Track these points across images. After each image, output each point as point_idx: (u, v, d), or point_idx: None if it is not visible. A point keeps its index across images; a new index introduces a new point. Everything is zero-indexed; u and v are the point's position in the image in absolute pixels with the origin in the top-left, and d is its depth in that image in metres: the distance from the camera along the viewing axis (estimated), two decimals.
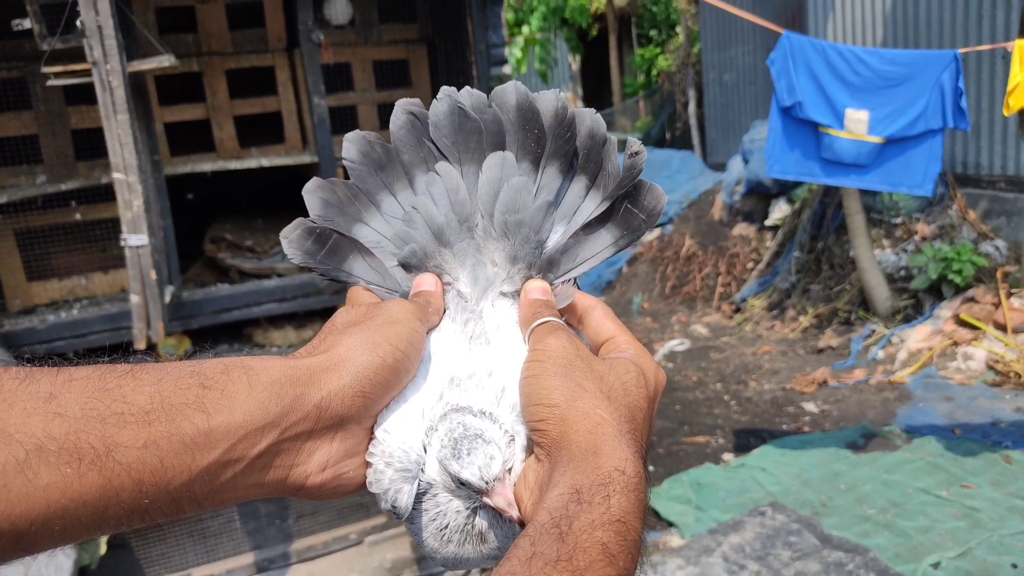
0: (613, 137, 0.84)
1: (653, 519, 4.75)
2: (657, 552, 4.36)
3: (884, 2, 8.70)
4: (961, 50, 4.98)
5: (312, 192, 0.83)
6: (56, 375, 0.58)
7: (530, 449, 0.72)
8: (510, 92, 0.84)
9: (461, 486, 0.70)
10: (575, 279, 0.84)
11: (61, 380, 0.58)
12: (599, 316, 0.81)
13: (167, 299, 3.76)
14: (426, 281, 0.81)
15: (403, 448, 0.71)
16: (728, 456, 5.74)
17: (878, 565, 3.94)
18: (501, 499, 0.68)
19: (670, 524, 4.81)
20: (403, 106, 0.85)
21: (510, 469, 0.70)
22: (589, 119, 0.83)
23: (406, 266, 0.83)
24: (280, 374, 0.66)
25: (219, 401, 0.62)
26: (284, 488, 0.67)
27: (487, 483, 0.68)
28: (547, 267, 0.82)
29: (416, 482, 0.71)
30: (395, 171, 0.84)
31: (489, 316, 0.80)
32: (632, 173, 0.81)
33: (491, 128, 0.84)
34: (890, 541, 4.29)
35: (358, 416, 0.70)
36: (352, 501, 4.88)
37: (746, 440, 5.95)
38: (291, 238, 0.82)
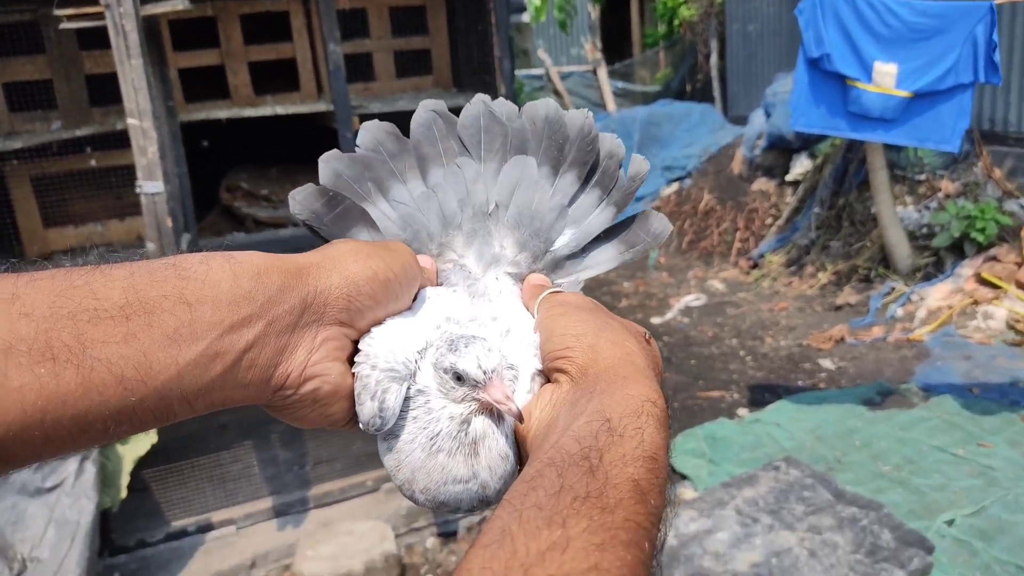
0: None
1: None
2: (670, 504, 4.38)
3: None
4: (996, 0, 4.82)
5: (327, 161, 0.85)
6: (17, 278, 0.54)
7: (540, 383, 0.71)
8: (541, 106, 0.89)
9: (458, 381, 0.68)
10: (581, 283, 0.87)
11: (23, 281, 0.54)
12: None
13: (183, 247, 3.75)
14: (423, 258, 0.81)
15: (389, 350, 0.70)
16: (743, 411, 5.74)
17: (892, 521, 3.94)
18: (498, 391, 0.67)
19: (684, 477, 4.83)
20: (427, 105, 0.89)
21: (513, 391, 0.69)
22: (611, 141, 0.88)
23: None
24: (265, 263, 0.63)
25: (201, 291, 0.59)
26: (267, 389, 0.64)
27: (485, 373, 0.67)
28: (552, 266, 0.85)
29: (405, 385, 0.70)
30: (408, 161, 0.88)
31: (492, 284, 0.82)
32: (635, 183, 0.86)
33: (516, 134, 0.88)
34: (904, 498, 4.29)
35: (340, 319, 0.68)
36: (368, 449, 4.93)
37: (761, 395, 5.94)
38: (299, 197, 0.83)
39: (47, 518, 3.81)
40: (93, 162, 4.57)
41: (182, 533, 4.73)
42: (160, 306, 0.57)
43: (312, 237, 0.84)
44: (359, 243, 0.72)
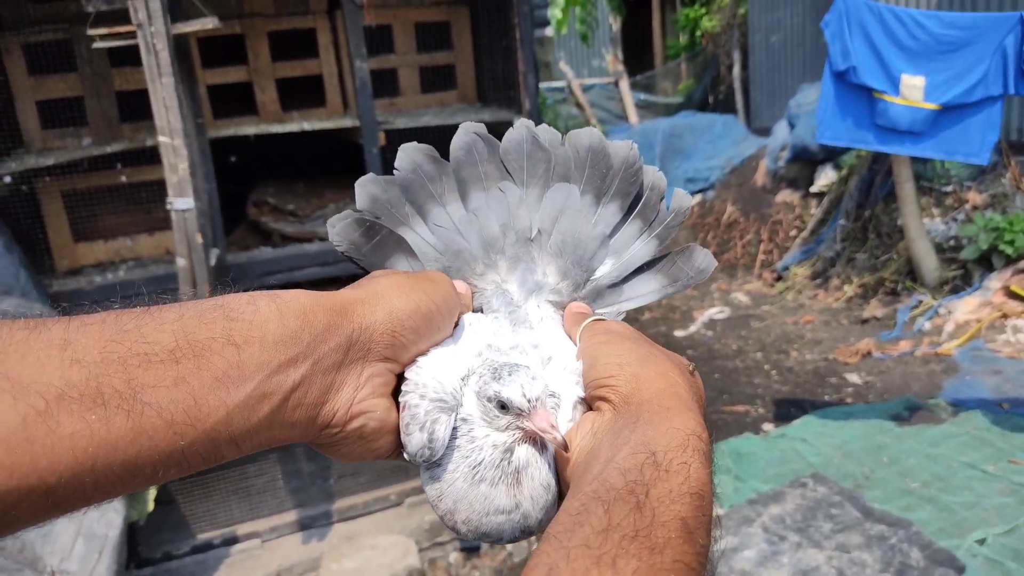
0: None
1: None
2: None
3: None
4: None
5: (364, 185, 0.85)
6: (68, 322, 0.55)
7: (583, 411, 0.71)
8: (585, 135, 0.88)
9: (502, 410, 0.68)
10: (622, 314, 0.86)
11: (74, 326, 0.55)
12: None
13: (212, 262, 3.79)
14: (459, 284, 0.81)
15: (437, 380, 0.70)
16: (768, 426, 5.69)
17: (921, 539, 3.89)
18: (542, 420, 0.66)
19: None
20: (468, 128, 0.88)
21: (555, 417, 0.69)
22: (653, 174, 0.88)
23: (447, 271, 0.84)
24: (310, 301, 0.63)
25: (248, 332, 0.59)
26: (313, 427, 0.64)
27: (530, 401, 0.67)
28: (593, 296, 0.85)
29: (453, 415, 0.70)
30: (448, 184, 0.87)
31: (533, 312, 0.82)
32: (679, 217, 0.87)
33: (560, 161, 0.87)
34: (934, 516, 4.23)
35: (386, 355, 0.68)
36: (392, 463, 4.93)
37: (787, 410, 5.89)
38: (338, 227, 0.82)
39: (75, 531, 3.84)
40: (123, 178, 4.63)
41: (207, 546, 4.76)
42: (209, 348, 0.57)
43: (344, 259, 0.85)
44: (400, 275, 0.72)
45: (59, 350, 0.53)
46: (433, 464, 0.70)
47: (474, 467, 0.69)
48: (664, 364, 0.68)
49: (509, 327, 0.79)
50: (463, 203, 0.87)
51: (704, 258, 0.86)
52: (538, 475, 0.69)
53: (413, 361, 0.71)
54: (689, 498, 0.55)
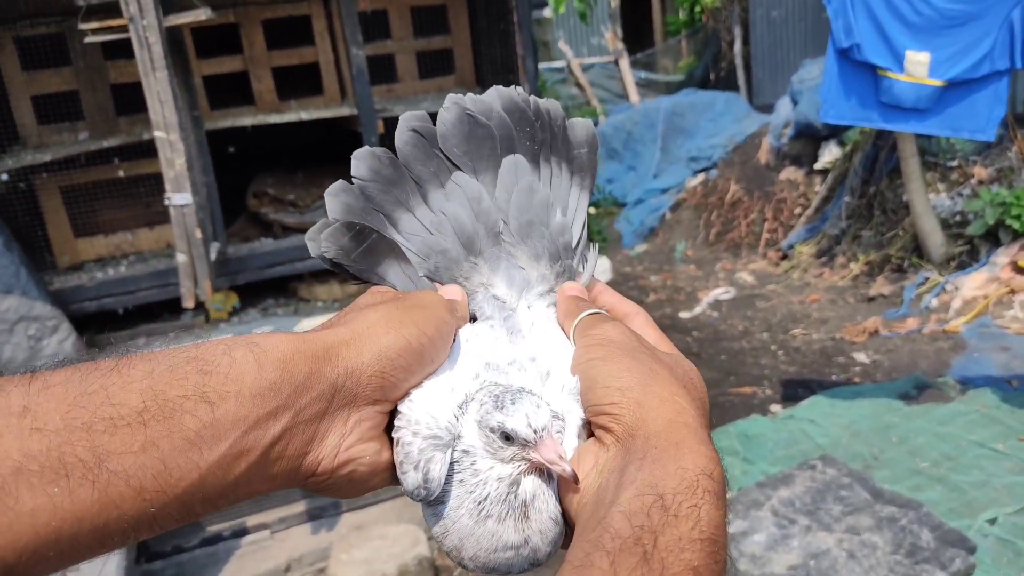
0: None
1: None
2: None
3: None
4: None
5: (335, 195, 0.80)
6: (29, 384, 0.52)
7: (586, 434, 0.67)
8: (498, 93, 0.84)
9: (507, 441, 0.64)
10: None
11: (35, 389, 0.51)
12: (640, 324, 0.76)
13: (213, 256, 3.76)
14: (452, 291, 0.77)
15: (431, 415, 0.66)
16: (776, 407, 5.67)
17: (932, 520, 3.87)
18: (551, 451, 0.63)
19: None
20: (406, 121, 0.82)
21: (562, 445, 0.65)
22: (547, 102, 0.86)
23: (431, 277, 0.80)
24: (291, 349, 0.60)
25: (223, 387, 0.56)
26: (296, 477, 0.62)
27: (536, 432, 0.63)
28: (572, 266, 0.82)
29: (449, 451, 0.66)
30: (408, 186, 0.82)
31: (526, 315, 0.77)
32: (590, 144, 0.86)
33: (502, 133, 0.82)
34: (944, 496, 4.21)
35: (374, 398, 0.64)
36: None
37: (794, 391, 5.87)
38: (324, 235, 0.77)
39: None
40: (121, 172, 4.60)
41: (217, 538, 4.77)
42: (181, 407, 0.54)
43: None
44: (388, 307, 0.68)
45: (18, 418, 0.50)
46: (435, 501, 0.67)
47: (479, 503, 0.66)
48: (669, 385, 0.64)
49: (506, 336, 0.75)
50: (427, 205, 0.82)
51: (583, 128, 0.86)
52: (546, 508, 0.66)
53: (406, 395, 0.68)
54: (700, 544, 0.53)
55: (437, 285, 0.79)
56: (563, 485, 0.66)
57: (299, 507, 4.98)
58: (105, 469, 0.51)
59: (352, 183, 0.82)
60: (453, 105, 0.82)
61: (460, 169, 0.82)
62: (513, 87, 0.85)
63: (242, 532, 4.82)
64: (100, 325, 4.52)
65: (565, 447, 0.66)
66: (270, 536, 4.85)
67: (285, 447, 0.59)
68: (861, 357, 6.24)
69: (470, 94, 0.84)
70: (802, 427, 5.14)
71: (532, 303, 0.79)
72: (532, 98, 0.85)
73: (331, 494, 0.67)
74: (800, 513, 4.07)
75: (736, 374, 6.30)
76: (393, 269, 0.79)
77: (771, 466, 4.72)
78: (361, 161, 0.81)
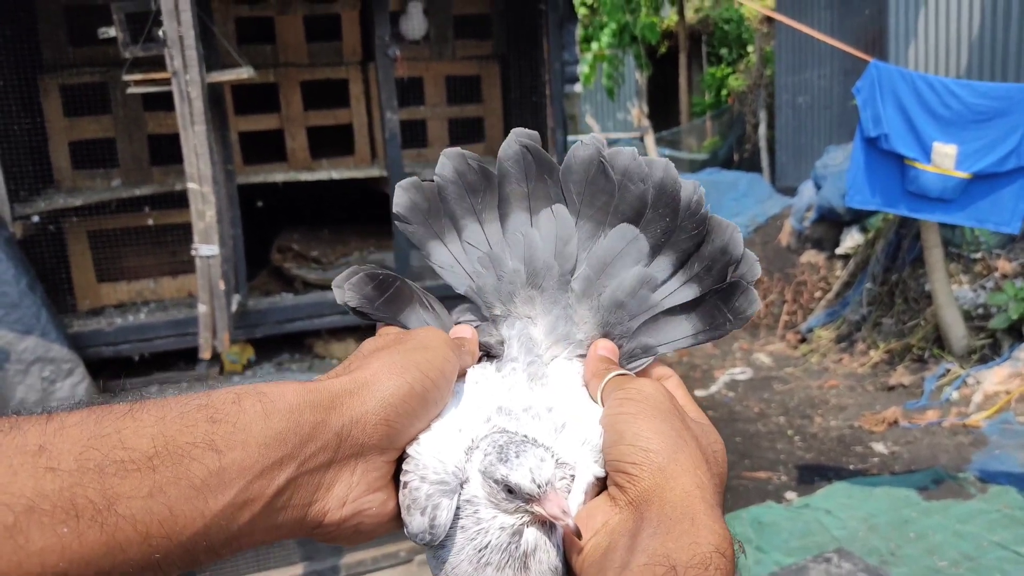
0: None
1: None
2: None
3: (971, 28, 8.40)
4: None
5: (405, 189, 0.80)
6: (46, 423, 0.52)
7: (595, 491, 0.66)
8: (659, 167, 0.77)
9: (510, 494, 0.64)
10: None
11: (52, 429, 0.52)
12: (672, 386, 0.75)
13: (233, 308, 3.77)
14: (462, 330, 0.77)
15: (439, 459, 0.66)
16: (791, 494, 5.55)
17: None
18: (554, 506, 0.62)
19: None
20: (518, 136, 0.80)
21: (567, 496, 0.65)
22: (727, 231, 0.77)
23: (471, 297, 0.80)
24: (298, 399, 0.60)
25: (231, 436, 0.57)
26: (301, 528, 0.62)
27: (540, 487, 0.62)
28: (621, 338, 0.78)
29: (456, 496, 0.66)
30: (488, 199, 0.80)
31: (552, 365, 0.76)
32: (744, 318, 0.77)
33: (626, 198, 0.78)
34: None
35: (381, 446, 0.64)
36: None
37: (810, 478, 5.74)
38: (348, 284, 0.76)
39: None
40: (150, 220, 4.65)
41: None
42: (189, 454, 0.55)
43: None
44: (391, 352, 0.68)
45: (33, 457, 0.50)
46: (438, 544, 0.67)
47: (480, 550, 0.65)
48: (693, 456, 0.63)
49: (525, 381, 0.73)
50: (501, 223, 0.79)
51: (746, 298, 0.76)
52: (546, 559, 0.65)
53: (414, 439, 0.67)
54: None
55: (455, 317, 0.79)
56: (568, 539, 0.65)
57: (297, 569, 4.88)
58: (114, 512, 0.51)
59: (423, 183, 0.81)
60: (592, 145, 0.79)
61: (564, 204, 0.79)
62: (695, 182, 0.77)
63: None
64: (114, 370, 4.52)
65: (571, 501, 0.65)
66: None
67: (291, 497, 0.60)
68: (879, 447, 6.12)
69: (629, 147, 0.80)
70: (818, 517, 5.01)
71: (561, 355, 0.77)
72: (700, 194, 0.77)
73: (337, 543, 0.67)
74: None
75: (751, 457, 6.19)
76: (415, 316, 0.79)
77: (785, 556, 4.59)
78: (449, 160, 0.80)
